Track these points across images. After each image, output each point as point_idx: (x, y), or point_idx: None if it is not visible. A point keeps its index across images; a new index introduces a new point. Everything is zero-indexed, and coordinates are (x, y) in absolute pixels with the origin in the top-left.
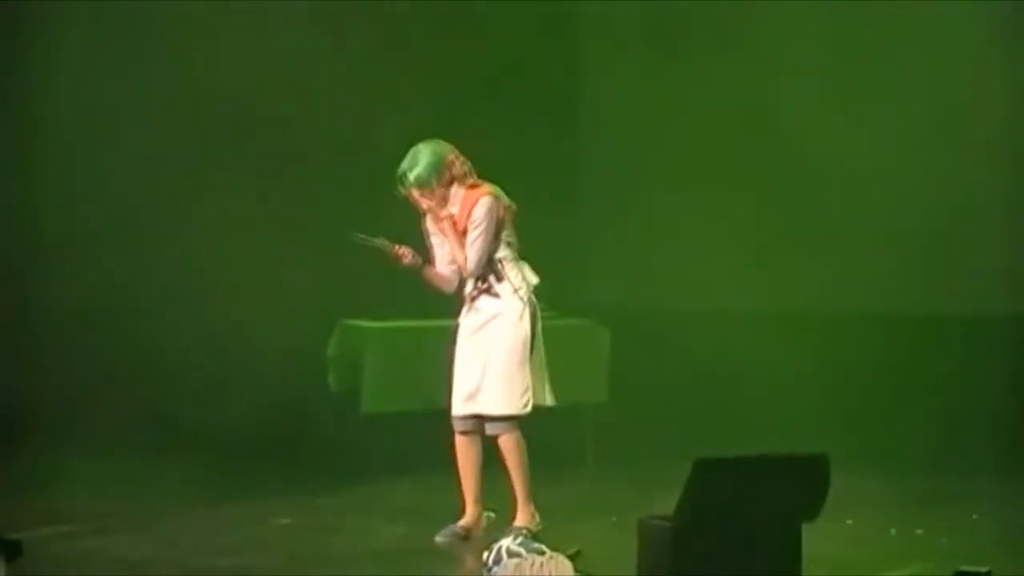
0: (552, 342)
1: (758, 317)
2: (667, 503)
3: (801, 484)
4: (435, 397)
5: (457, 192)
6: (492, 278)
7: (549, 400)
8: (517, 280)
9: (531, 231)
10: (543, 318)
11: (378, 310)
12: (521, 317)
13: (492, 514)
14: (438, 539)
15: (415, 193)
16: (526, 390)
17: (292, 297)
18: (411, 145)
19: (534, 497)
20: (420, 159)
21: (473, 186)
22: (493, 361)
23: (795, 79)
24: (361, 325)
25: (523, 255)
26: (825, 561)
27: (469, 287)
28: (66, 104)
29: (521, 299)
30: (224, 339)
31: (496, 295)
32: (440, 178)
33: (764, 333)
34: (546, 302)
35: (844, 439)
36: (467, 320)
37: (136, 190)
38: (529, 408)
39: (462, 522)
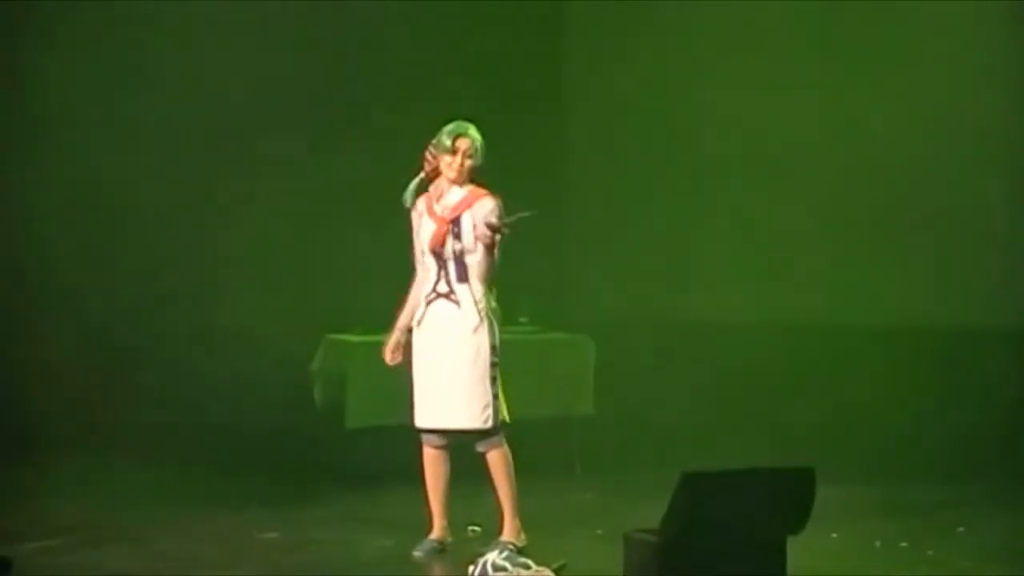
0: (538, 355)
1: (748, 326)
2: (653, 516)
3: (786, 497)
4: None
5: (454, 187)
6: (455, 283)
7: (504, 414)
8: (479, 293)
9: (517, 241)
10: (528, 332)
11: (366, 322)
12: (476, 331)
13: (477, 528)
14: (416, 554)
15: (458, 156)
16: (486, 405)
17: (282, 308)
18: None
19: (520, 511)
20: (474, 129)
21: (479, 185)
22: (454, 374)
23: (791, 80)
24: (345, 339)
25: (506, 267)
26: (810, 575)
27: (427, 289)
28: (70, 97)
29: (479, 312)
30: (212, 350)
31: (456, 302)
32: (481, 157)
33: (753, 342)
34: (531, 315)
35: (830, 450)
36: (424, 326)
37: (133, 193)
38: (489, 424)
39: (434, 535)
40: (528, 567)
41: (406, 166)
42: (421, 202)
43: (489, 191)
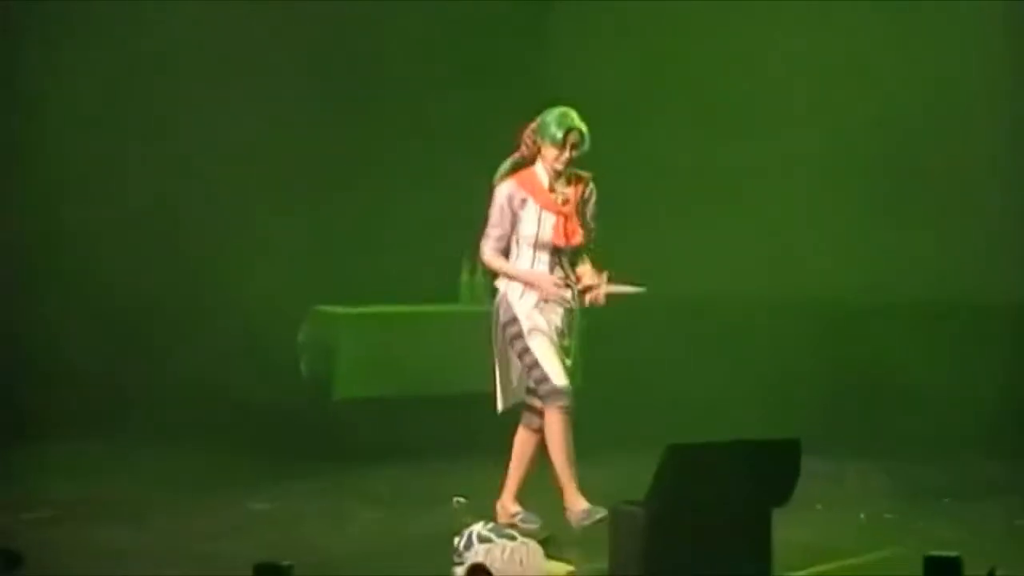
0: None
1: (729, 302)
2: (639, 488)
3: (771, 469)
4: (406, 383)
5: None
6: (569, 269)
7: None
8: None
9: None
10: None
11: (354, 296)
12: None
13: (463, 499)
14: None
15: (567, 150)
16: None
17: (273, 282)
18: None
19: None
20: (579, 119)
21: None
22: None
23: (780, 72)
24: (332, 311)
25: None
26: (795, 546)
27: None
28: (67, 80)
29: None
30: (204, 324)
31: (570, 287)
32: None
33: (735, 319)
34: None
35: (817, 424)
36: (540, 309)
37: (126, 175)
38: (499, 407)
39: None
40: (513, 538)
41: (405, 149)
42: (514, 185)
43: (585, 172)
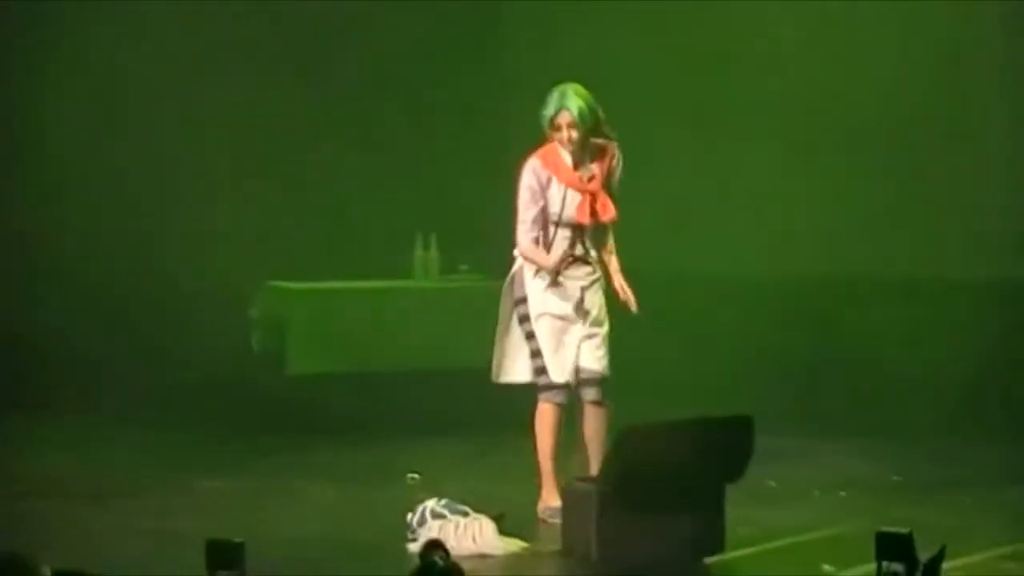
0: (477, 304)
1: (701, 279)
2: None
3: (724, 446)
4: (359, 358)
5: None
6: (590, 246)
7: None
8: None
9: (456, 194)
10: (468, 280)
11: (309, 271)
12: (599, 285)
13: (416, 476)
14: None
15: (563, 131)
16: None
17: (226, 258)
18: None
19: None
20: (571, 94)
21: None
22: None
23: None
24: (284, 286)
25: (448, 216)
26: (749, 522)
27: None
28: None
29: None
30: (158, 298)
31: (590, 263)
32: (591, 118)
33: (706, 296)
34: (471, 263)
35: (773, 400)
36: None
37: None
38: (493, 377)
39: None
40: (466, 514)
41: (361, 123)
42: (538, 164)
43: (610, 141)
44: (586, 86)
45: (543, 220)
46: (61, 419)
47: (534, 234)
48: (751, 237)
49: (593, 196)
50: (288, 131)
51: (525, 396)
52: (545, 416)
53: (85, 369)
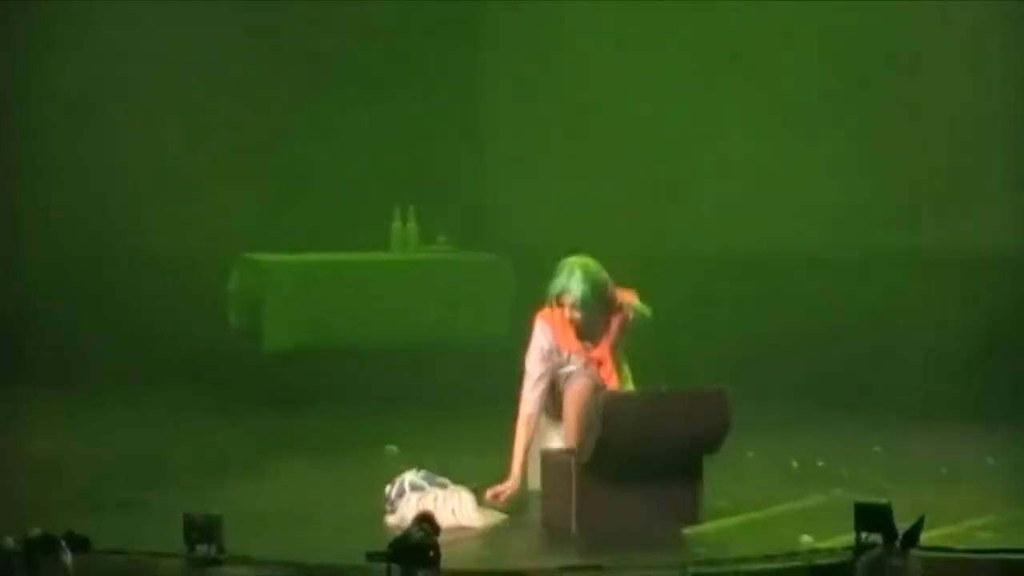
0: (455, 276)
1: (687, 257)
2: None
3: (701, 418)
4: (336, 332)
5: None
6: None
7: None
8: None
9: (433, 166)
10: (445, 252)
11: (287, 243)
12: None
13: (394, 448)
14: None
15: (574, 311)
16: None
17: (203, 229)
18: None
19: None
20: (578, 277)
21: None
22: None
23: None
24: (261, 259)
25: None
26: (726, 493)
27: None
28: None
29: None
30: (135, 267)
31: None
32: (593, 301)
33: (693, 274)
34: (449, 235)
35: (753, 373)
36: None
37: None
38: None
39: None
40: (444, 486)
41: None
42: (548, 331)
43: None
44: (556, 48)
45: (551, 376)
46: (34, 394)
47: (540, 389)
48: (742, 215)
49: (598, 363)
50: (263, 103)
51: (505, 369)
52: (531, 420)
53: (60, 344)
